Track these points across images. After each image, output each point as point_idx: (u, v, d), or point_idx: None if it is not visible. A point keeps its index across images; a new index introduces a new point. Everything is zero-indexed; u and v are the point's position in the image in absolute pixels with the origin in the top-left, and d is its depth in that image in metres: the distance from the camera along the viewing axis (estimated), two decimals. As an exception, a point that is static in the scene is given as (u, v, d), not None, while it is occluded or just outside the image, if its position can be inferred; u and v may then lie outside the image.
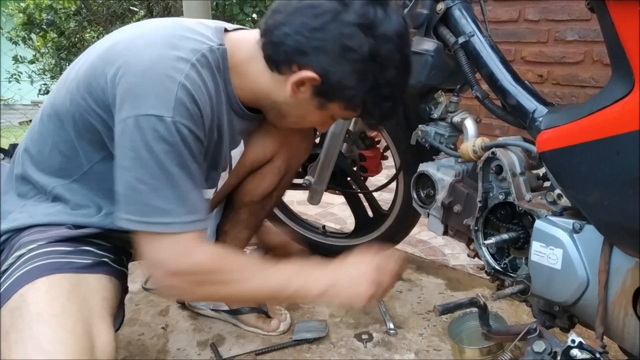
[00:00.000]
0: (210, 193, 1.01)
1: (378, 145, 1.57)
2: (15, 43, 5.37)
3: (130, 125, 0.76)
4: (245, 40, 0.91)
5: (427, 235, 1.91)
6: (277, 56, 0.85)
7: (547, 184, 0.96)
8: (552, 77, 2.22)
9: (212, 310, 1.38)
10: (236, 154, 1.06)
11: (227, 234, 1.26)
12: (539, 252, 0.83)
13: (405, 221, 1.50)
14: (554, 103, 0.94)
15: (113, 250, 0.92)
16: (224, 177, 1.04)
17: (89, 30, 5.25)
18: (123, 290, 0.93)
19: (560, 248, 0.80)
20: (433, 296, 1.50)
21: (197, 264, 0.81)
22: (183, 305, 1.43)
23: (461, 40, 1.04)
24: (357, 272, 0.90)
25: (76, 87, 0.84)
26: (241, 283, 0.85)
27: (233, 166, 1.06)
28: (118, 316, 0.90)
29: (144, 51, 0.79)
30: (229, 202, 1.26)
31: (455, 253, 1.74)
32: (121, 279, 0.91)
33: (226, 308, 1.35)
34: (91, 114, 0.83)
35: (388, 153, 1.54)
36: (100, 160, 0.87)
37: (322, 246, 1.72)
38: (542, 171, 0.97)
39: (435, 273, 1.63)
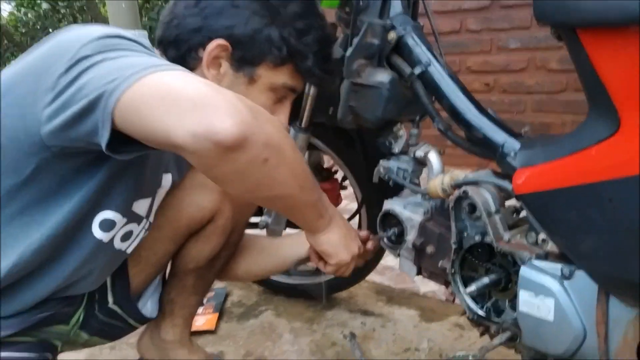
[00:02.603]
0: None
1: (335, 176, 1.49)
2: None
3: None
4: None
5: (393, 261, 1.84)
6: (180, 49, 0.83)
7: (523, 214, 0.90)
8: (499, 85, 2.22)
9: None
10: (165, 184, 0.97)
11: (174, 303, 1.13)
12: (527, 302, 0.76)
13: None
14: (522, 133, 0.89)
15: (35, 348, 0.79)
16: (143, 207, 0.92)
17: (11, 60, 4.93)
18: None
19: (550, 297, 0.73)
20: (408, 331, 1.42)
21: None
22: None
23: (417, 70, 0.96)
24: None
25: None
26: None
27: (158, 198, 0.96)
28: None
29: None
30: (171, 268, 1.13)
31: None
32: None
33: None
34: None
35: (347, 183, 1.46)
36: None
37: (286, 286, 1.62)
38: (516, 203, 0.91)
39: (407, 303, 1.56)
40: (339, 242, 0.91)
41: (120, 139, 0.62)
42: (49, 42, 0.71)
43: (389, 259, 1.85)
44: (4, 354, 0.78)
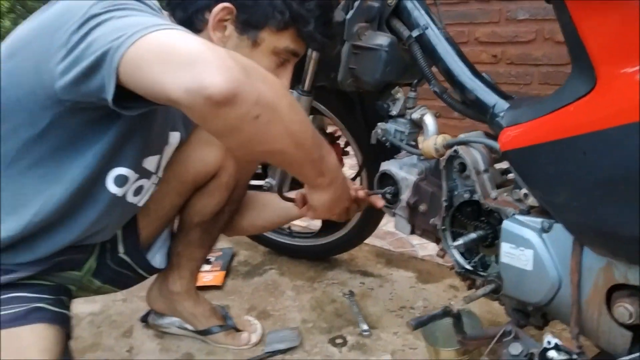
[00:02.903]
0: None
1: (338, 142, 1.52)
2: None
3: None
4: None
5: (394, 227, 1.89)
6: (187, 11, 0.86)
7: (511, 175, 0.94)
8: (506, 57, 2.22)
9: (179, 328, 1.31)
10: (173, 141, 1.01)
11: (181, 256, 1.20)
12: (508, 253, 0.81)
13: (371, 217, 1.47)
14: (513, 96, 0.92)
15: (50, 291, 0.84)
16: (153, 164, 0.97)
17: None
18: (66, 335, 0.85)
19: (530, 249, 0.78)
20: (405, 291, 1.48)
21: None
22: (147, 325, 1.36)
23: (415, 33, 0.99)
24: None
25: None
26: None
27: (166, 155, 1.01)
28: None
29: None
30: (179, 223, 1.19)
31: (424, 243, 1.72)
32: (62, 323, 0.84)
33: (192, 328, 1.29)
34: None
35: (349, 148, 1.50)
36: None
37: (289, 247, 1.68)
38: (505, 165, 0.95)
39: (405, 266, 1.62)
40: (327, 204, 0.93)
41: (127, 95, 0.67)
42: (62, 1, 0.75)
43: (389, 225, 1.90)
44: (24, 294, 0.84)
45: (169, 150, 1.04)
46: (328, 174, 0.89)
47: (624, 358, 0.67)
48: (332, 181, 0.90)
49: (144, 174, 0.95)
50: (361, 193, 1.08)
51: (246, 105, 0.63)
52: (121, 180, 0.89)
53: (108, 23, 0.67)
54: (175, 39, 0.64)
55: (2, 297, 0.76)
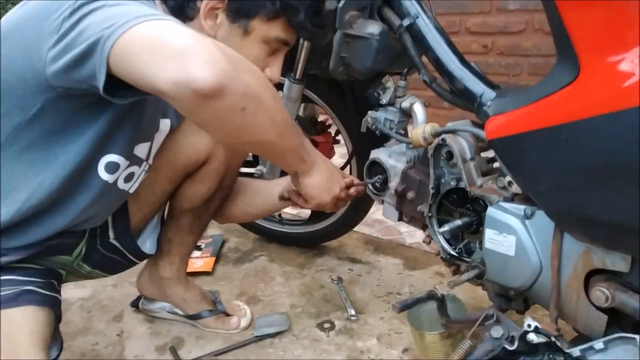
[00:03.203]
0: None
1: (329, 130, 1.54)
2: None
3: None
4: None
5: (382, 214, 1.91)
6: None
7: (497, 164, 0.96)
8: (497, 47, 2.24)
9: (169, 312, 1.33)
10: (163, 128, 1.01)
11: (171, 241, 1.21)
12: (492, 239, 0.83)
13: (360, 205, 1.49)
14: (501, 85, 0.93)
15: (41, 274, 0.85)
16: (143, 151, 0.98)
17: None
18: (56, 317, 0.86)
19: (512, 235, 0.80)
20: (392, 277, 1.50)
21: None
22: (138, 310, 1.37)
23: (406, 22, 1.00)
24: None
25: None
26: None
27: (157, 142, 1.01)
28: (54, 346, 0.84)
29: None
30: (169, 209, 1.20)
31: (411, 231, 1.75)
32: (52, 305, 0.85)
33: (183, 313, 1.30)
34: None
35: (340, 137, 1.51)
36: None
37: (279, 234, 1.70)
38: (492, 153, 0.97)
39: (393, 253, 1.64)
40: (321, 184, 0.95)
41: (118, 84, 0.67)
42: None
43: (378, 213, 1.92)
44: (14, 277, 0.85)
45: (159, 138, 1.04)
46: (308, 158, 0.91)
47: (599, 340, 0.70)
48: (313, 163, 0.93)
49: (135, 160, 0.96)
50: (348, 180, 1.09)
51: (233, 97, 0.64)
52: (112, 167, 0.89)
53: (100, 11, 0.68)
54: (164, 30, 0.64)
55: None
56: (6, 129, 0.78)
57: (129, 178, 0.96)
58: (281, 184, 1.18)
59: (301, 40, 1.15)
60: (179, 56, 0.61)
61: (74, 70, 0.68)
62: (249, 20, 0.88)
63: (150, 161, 1.02)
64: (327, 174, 0.96)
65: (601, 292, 0.70)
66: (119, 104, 0.73)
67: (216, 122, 0.68)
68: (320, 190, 0.96)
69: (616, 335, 0.69)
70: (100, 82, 0.65)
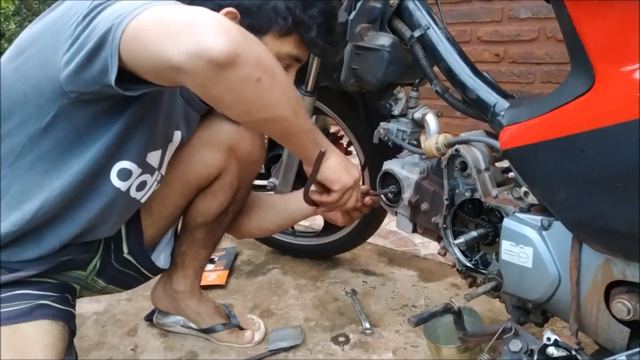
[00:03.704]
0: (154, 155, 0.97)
1: (341, 141, 1.53)
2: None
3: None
4: None
5: (396, 226, 1.90)
6: None
7: (512, 174, 0.95)
8: (509, 56, 2.23)
9: (183, 327, 1.33)
10: (175, 139, 1.02)
11: (185, 255, 1.21)
12: (509, 251, 0.82)
13: (374, 216, 1.47)
14: (514, 95, 0.93)
15: (55, 288, 0.85)
16: (156, 159, 0.98)
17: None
18: (71, 332, 0.86)
19: (530, 246, 0.79)
20: (406, 289, 1.49)
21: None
22: (152, 324, 1.38)
23: (417, 33, 1.00)
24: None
25: None
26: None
27: (169, 152, 1.01)
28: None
29: None
30: (183, 223, 1.20)
31: (426, 242, 1.73)
32: (67, 319, 0.85)
33: (196, 327, 1.30)
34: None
35: (352, 148, 1.51)
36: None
37: (292, 247, 1.69)
38: (506, 164, 0.96)
39: (407, 265, 1.63)
40: (340, 166, 0.91)
41: (129, 80, 0.67)
42: (68, 0, 0.77)
43: (392, 224, 1.91)
44: (29, 291, 0.85)
45: (171, 148, 1.05)
46: (322, 141, 0.90)
47: (622, 354, 0.68)
48: (328, 146, 0.91)
49: (148, 169, 0.96)
50: (364, 188, 1.08)
51: (248, 66, 0.64)
52: (125, 174, 0.90)
53: (109, 7, 0.69)
54: (173, 9, 0.65)
55: (7, 294, 0.77)
56: (22, 140, 0.78)
57: (141, 187, 0.97)
58: (295, 198, 1.17)
59: None
60: (190, 29, 0.61)
61: (86, 69, 0.69)
62: (262, 36, 0.88)
63: (163, 171, 1.03)
64: (343, 158, 0.94)
65: (622, 305, 0.69)
66: (132, 110, 0.73)
67: (232, 95, 0.67)
68: (341, 172, 0.91)
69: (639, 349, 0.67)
70: (113, 73, 0.65)
